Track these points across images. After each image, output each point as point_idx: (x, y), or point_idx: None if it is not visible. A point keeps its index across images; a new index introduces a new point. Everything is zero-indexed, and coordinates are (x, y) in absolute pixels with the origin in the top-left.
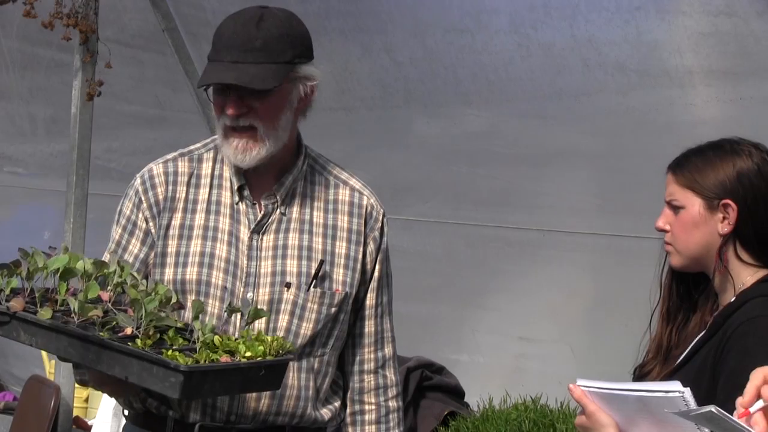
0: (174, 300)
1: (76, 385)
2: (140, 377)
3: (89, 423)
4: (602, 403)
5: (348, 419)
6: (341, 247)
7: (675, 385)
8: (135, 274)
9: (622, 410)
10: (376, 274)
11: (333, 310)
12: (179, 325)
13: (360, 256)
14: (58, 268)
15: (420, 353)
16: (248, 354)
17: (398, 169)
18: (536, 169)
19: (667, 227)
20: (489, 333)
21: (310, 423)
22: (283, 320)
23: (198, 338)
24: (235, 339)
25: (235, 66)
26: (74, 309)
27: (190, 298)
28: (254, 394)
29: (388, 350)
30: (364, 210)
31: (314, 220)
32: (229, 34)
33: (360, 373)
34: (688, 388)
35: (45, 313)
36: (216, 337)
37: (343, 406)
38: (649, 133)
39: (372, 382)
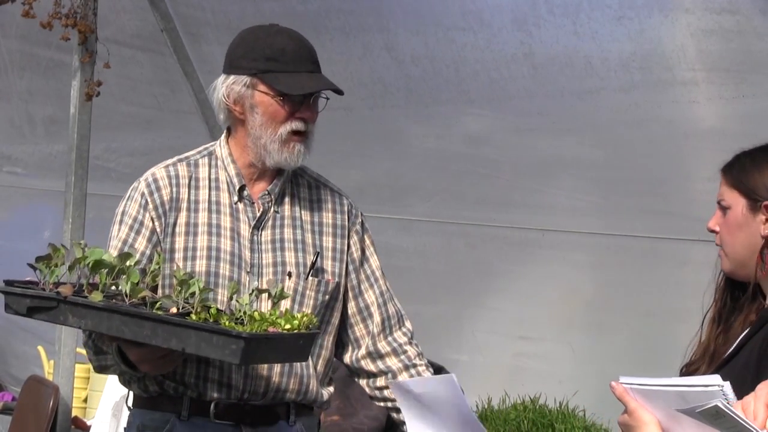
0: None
1: (76, 385)
2: (198, 347)
3: (88, 423)
4: (643, 400)
5: (402, 367)
6: (328, 241)
7: (714, 379)
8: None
9: (664, 407)
10: (375, 263)
11: (326, 297)
12: (213, 306)
13: (345, 248)
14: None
15: None
16: (287, 326)
17: (398, 169)
18: (537, 168)
19: (717, 228)
20: (489, 333)
21: (311, 401)
22: (285, 306)
23: (245, 312)
24: (269, 315)
25: (314, 75)
26: (125, 291)
27: None
28: (264, 372)
29: (409, 323)
30: (345, 207)
31: (303, 217)
32: (293, 48)
33: (398, 347)
34: (728, 382)
35: (96, 296)
36: (255, 312)
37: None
38: (651, 131)
39: (414, 351)
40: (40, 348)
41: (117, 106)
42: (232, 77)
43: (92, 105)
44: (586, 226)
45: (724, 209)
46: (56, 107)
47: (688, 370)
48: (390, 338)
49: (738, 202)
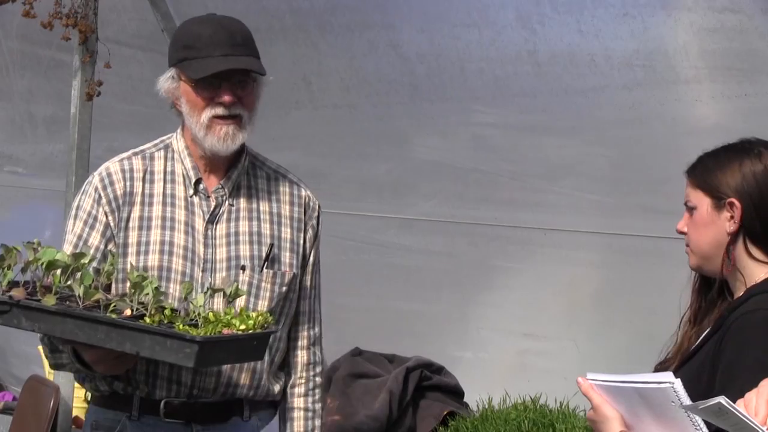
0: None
1: (76, 385)
2: (152, 351)
3: None
4: (607, 395)
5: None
6: (286, 233)
7: (666, 376)
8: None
9: (626, 403)
10: (312, 258)
11: (284, 289)
12: (167, 305)
13: (301, 241)
14: (44, 261)
15: (424, 351)
16: (242, 327)
17: (401, 167)
18: (540, 166)
19: (685, 229)
20: (493, 330)
21: (263, 396)
22: (240, 300)
23: (199, 314)
24: (224, 315)
25: (227, 58)
26: (79, 294)
27: None
28: (215, 369)
29: (318, 329)
30: (303, 200)
31: (261, 208)
32: (209, 33)
33: (293, 349)
34: (679, 380)
35: (49, 300)
36: (210, 313)
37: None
38: (654, 129)
39: (304, 358)
40: (40, 348)
41: (118, 106)
42: (166, 71)
43: (93, 105)
44: (589, 225)
45: (690, 210)
46: (57, 107)
47: (660, 368)
48: (292, 333)
49: (703, 202)
